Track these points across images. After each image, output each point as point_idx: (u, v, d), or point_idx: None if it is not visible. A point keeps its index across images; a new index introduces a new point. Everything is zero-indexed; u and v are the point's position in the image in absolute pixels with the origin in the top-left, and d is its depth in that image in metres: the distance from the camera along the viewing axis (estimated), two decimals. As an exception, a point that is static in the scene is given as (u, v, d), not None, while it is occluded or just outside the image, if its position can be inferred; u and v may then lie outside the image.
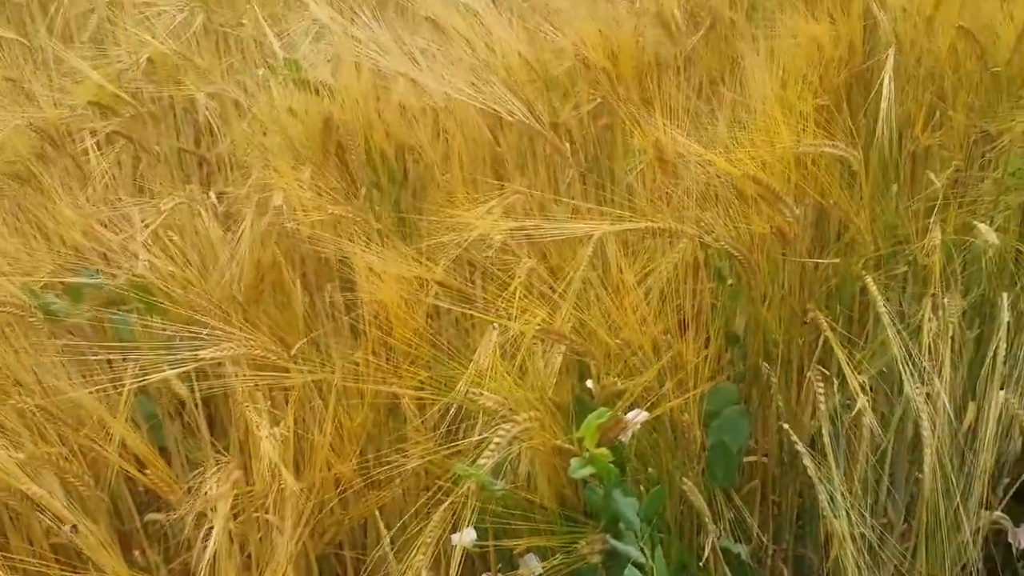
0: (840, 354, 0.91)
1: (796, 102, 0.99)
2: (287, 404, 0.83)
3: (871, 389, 0.97)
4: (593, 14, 1.47)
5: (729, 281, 1.00)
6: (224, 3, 1.51)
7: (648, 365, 0.83)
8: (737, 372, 1.03)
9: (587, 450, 0.74)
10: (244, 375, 0.82)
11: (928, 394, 0.91)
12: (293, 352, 0.85)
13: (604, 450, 0.75)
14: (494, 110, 1.03)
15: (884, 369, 1.01)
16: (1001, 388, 0.98)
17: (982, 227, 0.91)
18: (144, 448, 0.83)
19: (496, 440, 0.71)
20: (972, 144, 1.16)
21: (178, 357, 0.80)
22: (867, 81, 1.35)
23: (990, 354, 0.97)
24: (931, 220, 0.96)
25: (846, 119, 1.34)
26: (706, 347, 0.91)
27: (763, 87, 1.01)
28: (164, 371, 0.81)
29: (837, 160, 0.96)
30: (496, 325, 0.80)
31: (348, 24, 1.33)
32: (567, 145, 1.10)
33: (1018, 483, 1.19)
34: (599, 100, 1.30)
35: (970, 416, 1.02)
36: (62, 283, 0.98)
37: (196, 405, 0.95)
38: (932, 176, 1.09)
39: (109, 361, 0.87)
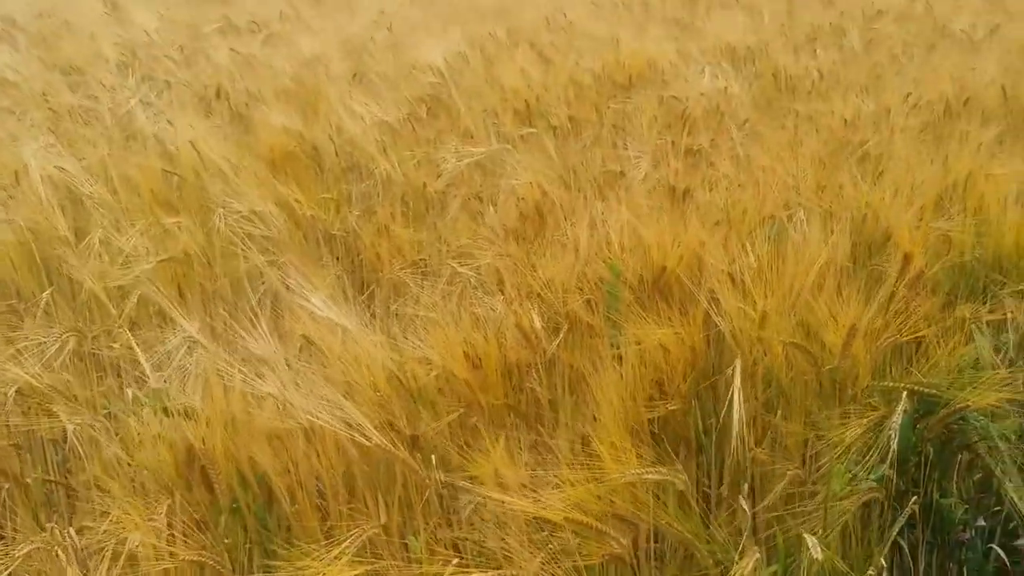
0: None
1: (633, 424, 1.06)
2: None
3: None
4: (458, 322, 1.56)
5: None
6: (97, 325, 1.56)
7: None
8: None
9: None
10: None
11: None
12: None
13: None
14: (354, 436, 1.07)
15: None
16: None
17: (810, 540, 0.97)
18: None
19: None
20: (809, 456, 1.24)
21: None
22: (713, 383, 1.45)
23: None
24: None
25: (696, 421, 1.43)
26: None
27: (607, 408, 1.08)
28: None
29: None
30: None
31: (222, 340, 1.38)
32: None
33: None
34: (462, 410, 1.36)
35: None
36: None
37: None
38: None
39: None
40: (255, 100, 2.93)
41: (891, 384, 1.27)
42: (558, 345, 1.53)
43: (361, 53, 3.54)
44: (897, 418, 1.20)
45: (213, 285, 1.90)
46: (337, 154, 2.41)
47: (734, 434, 1.18)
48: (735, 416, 1.18)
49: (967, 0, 5.79)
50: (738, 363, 1.27)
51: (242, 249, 1.90)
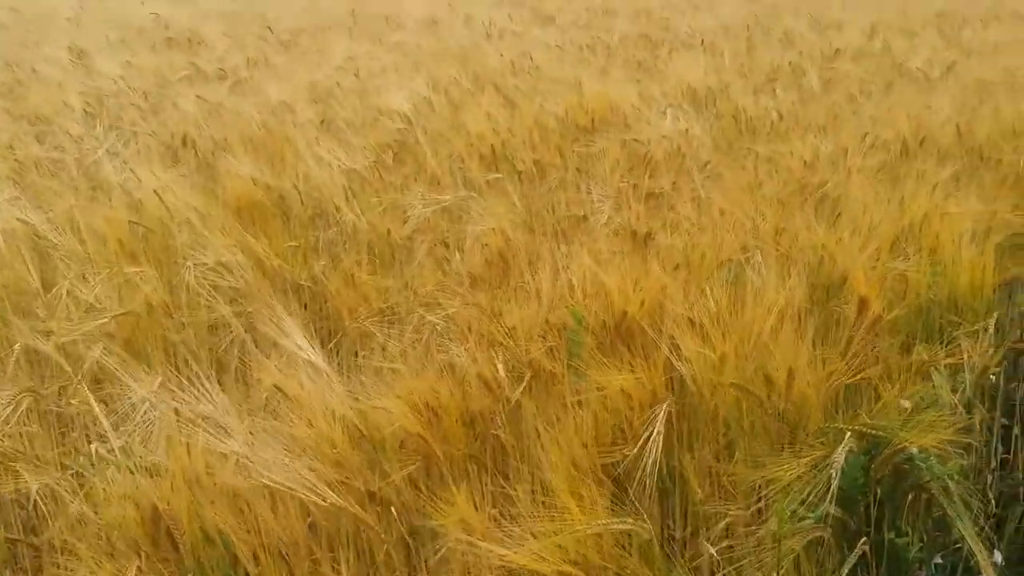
0: None
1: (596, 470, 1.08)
2: None
3: None
4: (422, 373, 1.58)
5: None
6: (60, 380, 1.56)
7: None
8: None
9: None
10: None
11: None
12: None
13: None
14: (312, 497, 1.08)
15: None
16: None
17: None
18: None
19: None
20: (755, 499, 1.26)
21: None
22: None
23: None
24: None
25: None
26: None
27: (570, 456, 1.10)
28: None
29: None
30: None
31: (186, 398, 1.39)
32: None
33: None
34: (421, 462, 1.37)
35: None
36: None
37: None
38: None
39: None
40: (222, 148, 2.94)
41: (840, 425, 1.30)
42: (521, 392, 1.55)
43: (328, 99, 3.57)
44: (839, 456, 1.22)
45: (178, 336, 1.90)
46: (303, 202, 2.42)
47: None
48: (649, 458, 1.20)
49: (924, 37, 5.94)
50: (663, 406, 1.30)
51: (208, 300, 1.91)
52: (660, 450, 1.27)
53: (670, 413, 1.43)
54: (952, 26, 6.52)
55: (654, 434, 1.26)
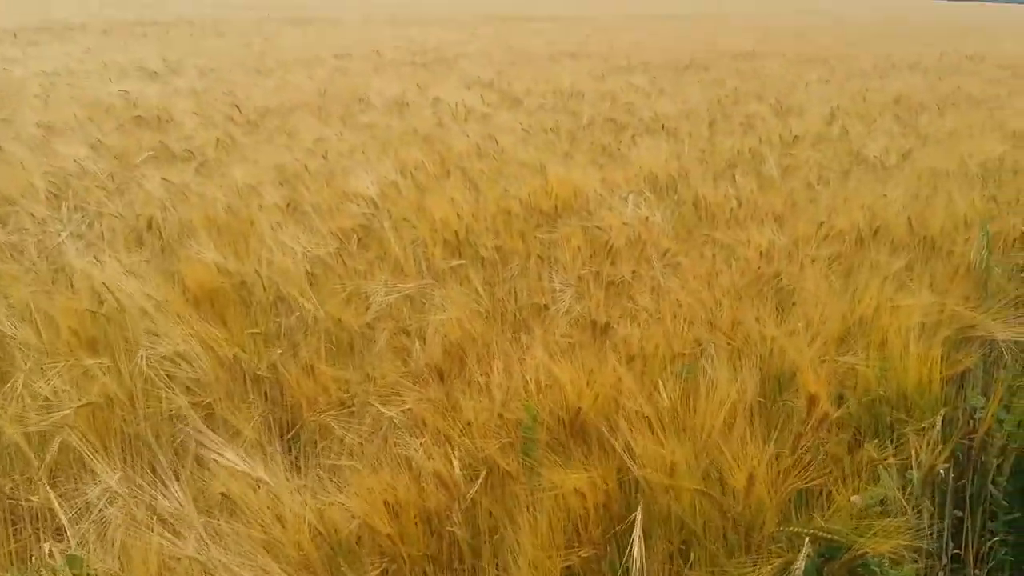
0: None
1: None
2: None
3: None
4: (379, 470, 1.58)
5: None
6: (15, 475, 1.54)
7: None
8: None
9: None
10: None
11: None
12: None
13: None
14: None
15: None
16: None
17: None
18: None
19: None
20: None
21: None
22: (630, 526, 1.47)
23: None
24: None
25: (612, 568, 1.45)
26: None
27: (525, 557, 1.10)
28: None
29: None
30: None
31: (143, 495, 1.38)
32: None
33: None
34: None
35: None
36: None
37: None
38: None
39: None
40: (186, 232, 2.96)
41: (795, 530, 1.31)
42: (477, 490, 1.55)
43: (295, 182, 3.60)
44: (800, 564, 1.24)
45: (134, 429, 1.89)
46: (266, 288, 2.44)
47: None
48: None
49: (882, 122, 6.11)
50: (638, 512, 1.31)
51: (165, 392, 1.91)
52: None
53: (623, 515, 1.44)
54: (909, 112, 6.72)
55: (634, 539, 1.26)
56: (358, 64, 9.56)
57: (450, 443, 1.64)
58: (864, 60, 11.80)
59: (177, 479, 1.41)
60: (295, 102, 5.98)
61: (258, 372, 2.11)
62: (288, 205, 3.27)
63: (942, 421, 1.73)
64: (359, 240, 2.99)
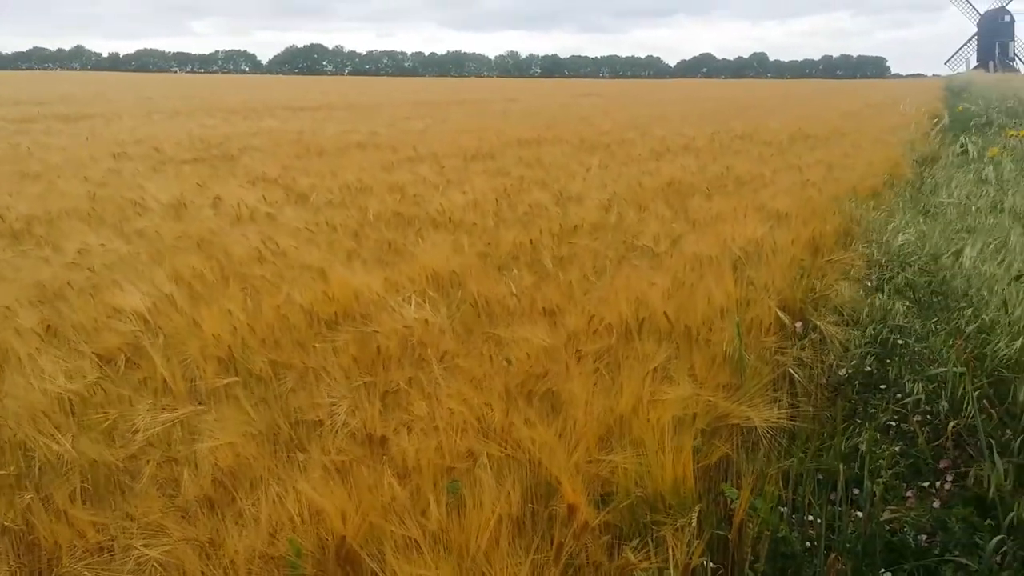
0: None
1: None
2: None
3: None
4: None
5: None
6: None
7: None
8: None
9: None
10: None
11: None
12: None
13: None
14: None
15: None
16: None
17: None
18: None
19: None
20: None
21: None
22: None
23: None
24: None
25: None
26: None
27: None
28: None
29: None
30: None
31: None
32: None
33: None
34: None
35: None
36: None
37: None
38: None
39: None
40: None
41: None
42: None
43: (57, 300, 3.42)
44: None
45: None
46: (12, 428, 2.28)
47: None
48: None
49: (655, 207, 6.45)
50: None
51: None
52: None
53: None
54: (680, 196, 7.14)
55: None
56: (136, 164, 9.22)
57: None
58: (641, 145, 12.47)
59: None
60: (64, 208, 5.70)
61: (4, 523, 1.97)
62: (48, 328, 3.09)
63: (698, 516, 1.82)
64: (127, 361, 2.86)
